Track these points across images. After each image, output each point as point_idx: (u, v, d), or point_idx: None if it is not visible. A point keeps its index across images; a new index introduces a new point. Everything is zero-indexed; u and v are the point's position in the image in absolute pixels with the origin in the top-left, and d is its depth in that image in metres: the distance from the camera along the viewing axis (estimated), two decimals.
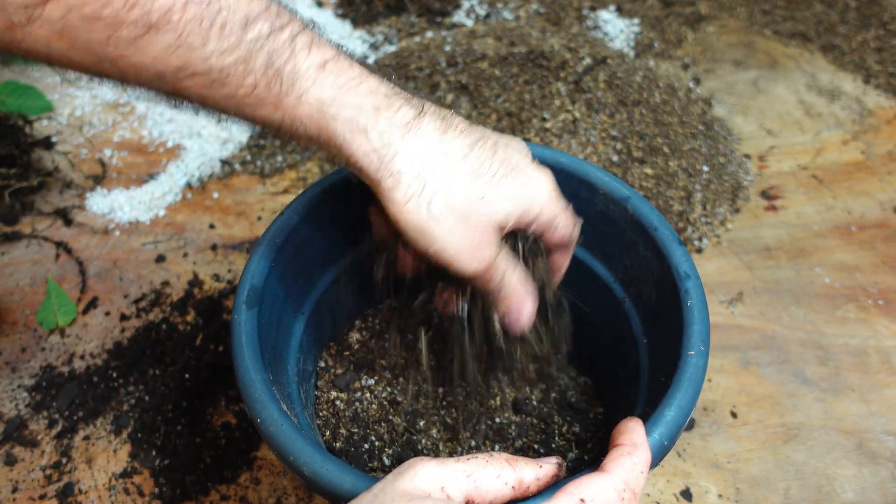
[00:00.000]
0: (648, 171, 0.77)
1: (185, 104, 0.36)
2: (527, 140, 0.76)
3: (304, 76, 0.35)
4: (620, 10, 1.12)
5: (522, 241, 0.44)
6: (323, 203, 0.49)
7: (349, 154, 0.37)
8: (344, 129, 0.37)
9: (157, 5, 0.31)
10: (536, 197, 0.42)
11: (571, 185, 0.51)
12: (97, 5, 0.30)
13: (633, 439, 0.34)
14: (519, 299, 0.42)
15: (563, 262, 0.47)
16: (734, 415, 0.62)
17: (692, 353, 0.40)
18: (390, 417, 0.53)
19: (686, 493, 0.57)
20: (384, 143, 0.37)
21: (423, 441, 0.52)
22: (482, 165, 0.40)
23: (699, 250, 0.76)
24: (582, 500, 0.30)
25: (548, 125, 0.77)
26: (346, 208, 0.51)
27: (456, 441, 0.53)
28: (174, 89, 0.34)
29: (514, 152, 0.43)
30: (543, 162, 0.51)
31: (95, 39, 0.31)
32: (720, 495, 0.57)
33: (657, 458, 0.36)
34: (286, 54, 0.35)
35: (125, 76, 0.33)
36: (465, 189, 0.39)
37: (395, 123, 0.38)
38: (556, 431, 0.53)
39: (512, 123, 0.78)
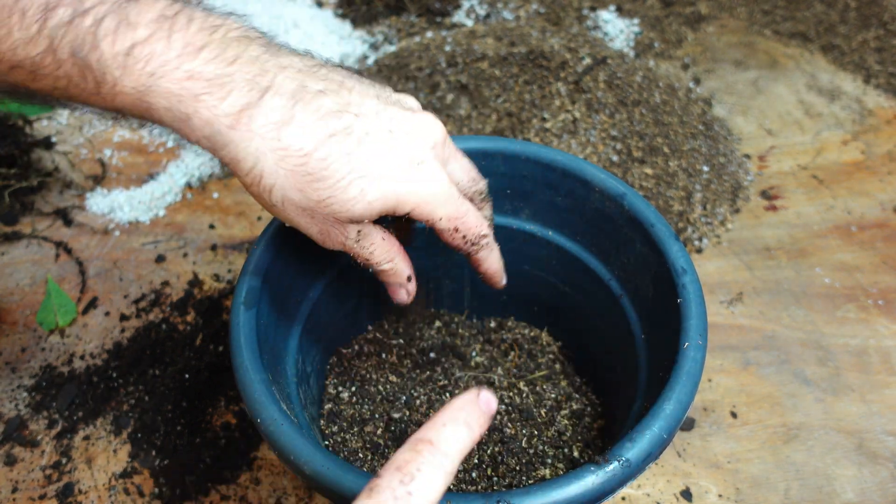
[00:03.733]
0: (648, 171, 0.77)
1: (37, 98, 0.34)
2: (527, 140, 0.76)
3: (111, 65, 0.32)
4: (620, 10, 1.12)
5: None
6: None
7: (186, 137, 0.34)
8: (167, 118, 0.33)
9: None
10: (412, 193, 0.37)
11: (567, 183, 0.51)
12: None
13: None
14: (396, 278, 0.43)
15: (487, 259, 0.44)
16: (734, 415, 0.62)
17: (690, 346, 0.40)
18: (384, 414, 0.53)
19: (686, 493, 0.57)
20: (211, 134, 0.34)
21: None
22: (331, 166, 0.35)
23: (699, 250, 0.76)
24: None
25: (548, 125, 0.77)
26: None
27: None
28: (10, 85, 0.33)
29: (406, 136, 0.37)
30: (539, 161, 0.51)
31: None
32: (720, 495, 0.57)
33: (657, 451, 0.36)
34: (89, 42, 0.32)
35: None
36: (303, 192, 0.35)
37: (220, 113, 0.33)
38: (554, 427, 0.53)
39: (512, 123, 0.78)
